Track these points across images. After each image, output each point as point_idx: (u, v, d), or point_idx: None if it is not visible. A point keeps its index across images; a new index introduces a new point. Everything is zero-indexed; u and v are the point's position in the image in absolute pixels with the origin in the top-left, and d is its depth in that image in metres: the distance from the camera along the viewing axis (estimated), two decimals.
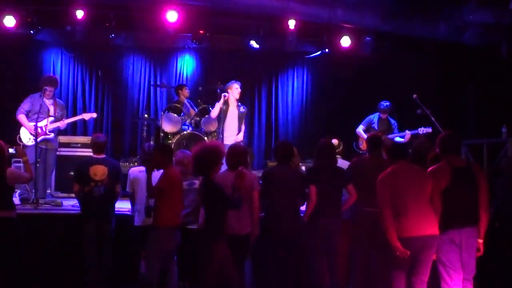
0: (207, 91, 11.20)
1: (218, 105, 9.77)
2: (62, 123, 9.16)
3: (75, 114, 11.30)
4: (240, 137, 9.79)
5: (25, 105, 8.98)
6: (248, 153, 7.05)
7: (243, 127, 9.93)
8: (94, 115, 9.87)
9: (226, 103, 9.79)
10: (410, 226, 5.77)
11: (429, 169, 5.93)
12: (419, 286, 5.86)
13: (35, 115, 8.78)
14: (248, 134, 12.34)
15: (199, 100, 11.05)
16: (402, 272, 5.87)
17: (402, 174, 5.94)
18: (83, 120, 10.13)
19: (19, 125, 8.92)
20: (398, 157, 6.13)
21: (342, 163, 8.00)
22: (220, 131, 9.80)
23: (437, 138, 6.12)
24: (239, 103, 9.99)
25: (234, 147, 6.87)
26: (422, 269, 5.85)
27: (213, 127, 10.34)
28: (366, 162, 7.19)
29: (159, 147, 6.79)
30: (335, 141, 8.78)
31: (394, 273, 5.92)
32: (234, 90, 9.85)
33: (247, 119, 11.13)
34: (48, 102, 9.02)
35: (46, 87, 8.94)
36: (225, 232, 5.92)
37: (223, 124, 9.80)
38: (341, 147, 8.75)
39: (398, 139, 10.21)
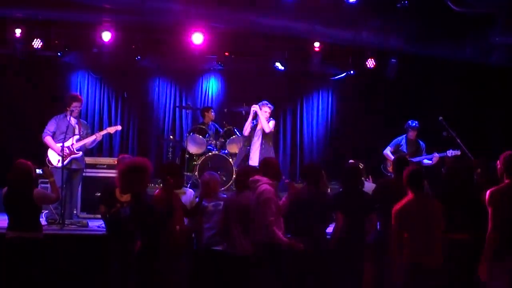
0: (232, 113, 11.25)
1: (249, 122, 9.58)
2: (98, 135, 9.17)
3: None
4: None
5: (51, 127, 9.01)
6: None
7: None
8: (119, 127, 9.90)
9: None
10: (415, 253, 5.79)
11: (490, 190, 5.57)
12: None
13: (62, 135, 8.83)
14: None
15: (224, 122, 11.09)
16: None
17: (416, 209, 5.86)
18: (110, 141, 10.14)
19: (46, 147, 8.97)
20: (416, 186, 5.99)
21: (368, 186, 7.94)
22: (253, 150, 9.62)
23: (502, 156, 5.67)
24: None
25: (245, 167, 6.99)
26: None
27: (237, 148, 10.34)
28: (392, 184, 7.06)
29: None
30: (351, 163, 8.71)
31: None
32: (263, 113, 9.76)
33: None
34: (73, 122, 9.05)
35: (74, 104, 8.95)
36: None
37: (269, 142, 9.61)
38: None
39: (426, 161, 10.11)
